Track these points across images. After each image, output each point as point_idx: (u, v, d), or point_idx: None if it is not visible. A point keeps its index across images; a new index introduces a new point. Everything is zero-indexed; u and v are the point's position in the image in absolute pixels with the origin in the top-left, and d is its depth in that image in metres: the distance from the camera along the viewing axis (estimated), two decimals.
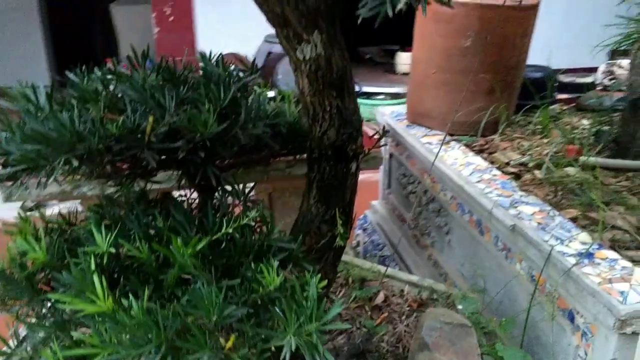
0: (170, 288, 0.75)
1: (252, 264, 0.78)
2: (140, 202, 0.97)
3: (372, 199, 2.46)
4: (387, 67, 6.12)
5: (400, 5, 0.55)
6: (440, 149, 1.60)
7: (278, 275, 0.73)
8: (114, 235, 0.77)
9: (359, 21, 0.66)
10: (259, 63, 4.71)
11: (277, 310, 0.69)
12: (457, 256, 1.65)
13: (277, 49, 4.61)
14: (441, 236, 1.75)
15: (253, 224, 0.86)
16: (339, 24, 0.96)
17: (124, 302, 0.67)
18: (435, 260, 1.79)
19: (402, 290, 1.35)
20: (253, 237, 0.84)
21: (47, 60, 6.44)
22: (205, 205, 1.04)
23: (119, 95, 0.95)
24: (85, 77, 0.99)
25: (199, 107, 0.88)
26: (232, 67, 1.04)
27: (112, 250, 0.76)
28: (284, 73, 1.83)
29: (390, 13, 0.58)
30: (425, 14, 0.58)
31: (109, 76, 0.93)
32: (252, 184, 1.03)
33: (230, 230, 0.82)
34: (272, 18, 0.91)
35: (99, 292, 0.68)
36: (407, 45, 6.38)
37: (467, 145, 1.82)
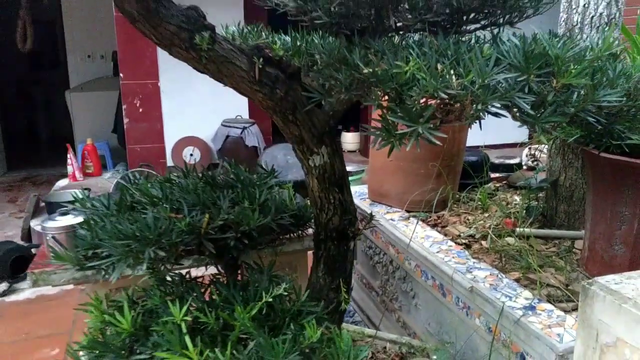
0: (234, 345, 0.99)
1: (292, 324, 1.04)
2: (184, 282, 1.21)
3: None
4: None
5: (409, 146, 0.86)
6: (413, 233, 1.91)
7: (317, 330, 0.98)
8: (186, 307, 1.00)
9: None
10: (217, 145, 5.02)
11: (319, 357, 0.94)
12: (423, 317, 1.94)
13: (235, 132, 4.95)
14: (408, 300, 2.04)
15: (286, 293, 1.11)
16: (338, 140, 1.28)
17: (211, 355, 0.91)
18: (404, 322, 2.07)
19: (385, 348, 1.61)
20: (288, 304, 1.10)
21: None
22: (232, 278, 1.29)
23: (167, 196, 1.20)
24: (136, 181, 1.25)
25: (239, 204, 1.16)
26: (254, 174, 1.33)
27: (188, 318, 0.99)
28: (267, 163, 2.13)
29: (398, 150, 0.89)
30: (419, 149, 0.90)
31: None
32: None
33: (271, 299, 1.07)
34: (291, 137, 1.22)
35: (191, 349, 0.91)
36: (350, 125, 6.90)
37: (423, 220, 2.16)
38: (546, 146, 2.59)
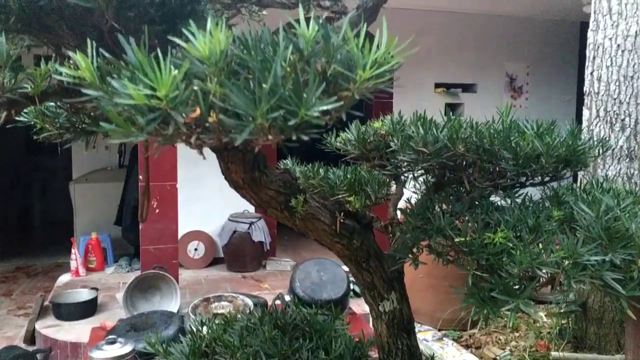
0: None
1: None
2: None
3: None
4: None
5: (510, 322, 0.91)
6: None
7: None
8: None
9: None
10: (224, 241, 5.02)
11: None
12: None
13: (242, 227, 4.98)
14: None
15: None
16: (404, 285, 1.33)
17: None
18: None
19: None
20: None
21: None
22: None
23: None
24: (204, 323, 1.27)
25: (315, 354, 1.18)
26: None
27: None
28: (301, 280, 2.15)
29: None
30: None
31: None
32: None
33: None
34: (363, 284, 1.26)
35: None
36: None
37: (455, 340, 2.17)
38: None
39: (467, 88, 6.09)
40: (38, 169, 8.51)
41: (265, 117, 0.51)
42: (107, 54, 0.52)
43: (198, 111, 0.54)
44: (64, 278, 4.70)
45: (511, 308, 0.90)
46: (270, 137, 0.55)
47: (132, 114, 0.53)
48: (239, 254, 5.01)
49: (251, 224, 4.94)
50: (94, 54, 0.52)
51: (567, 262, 0.91)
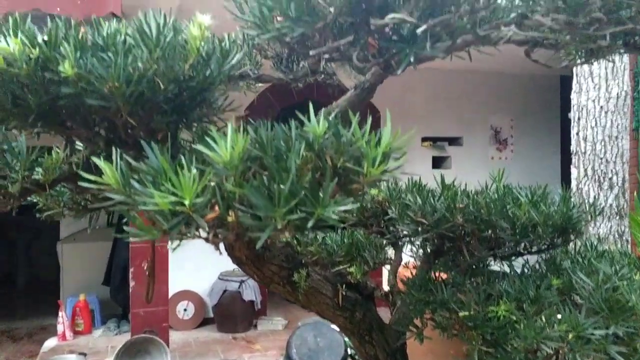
0: None
1: None
2: None
3: None
4: None
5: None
6: None
7: None
8: None
9: None
10: (214, 301, 4.95)
11: None
12: None
13: (232, 286, 4.92)
14: None
15: None
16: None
17: None
18: None
19: None
20: None
21: None
22: None
23: None
24: None
25: None
26: None
27: None
28: (297, 346, 2.12)
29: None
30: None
31: None
32: None
33: None
34: (366, 357, 1.25)
35: None
36: None
37: None
38: None
39: (453, 141, 6.21)
40: (24, 228, 8.37)
41: (283, 219, 0.53)
42: (131, 161, 0.54)
43: (217, 211, 0.56)
44: (50, 343, 4.56)
45: None
46: (287, 234, 0.56)
47: (153, 215, 0.54)
48: (229, 313, 4.92)
49: (242, 282, 4.88)
50: (118, 160, 0.54)
51: (570, 336, 0.92)
